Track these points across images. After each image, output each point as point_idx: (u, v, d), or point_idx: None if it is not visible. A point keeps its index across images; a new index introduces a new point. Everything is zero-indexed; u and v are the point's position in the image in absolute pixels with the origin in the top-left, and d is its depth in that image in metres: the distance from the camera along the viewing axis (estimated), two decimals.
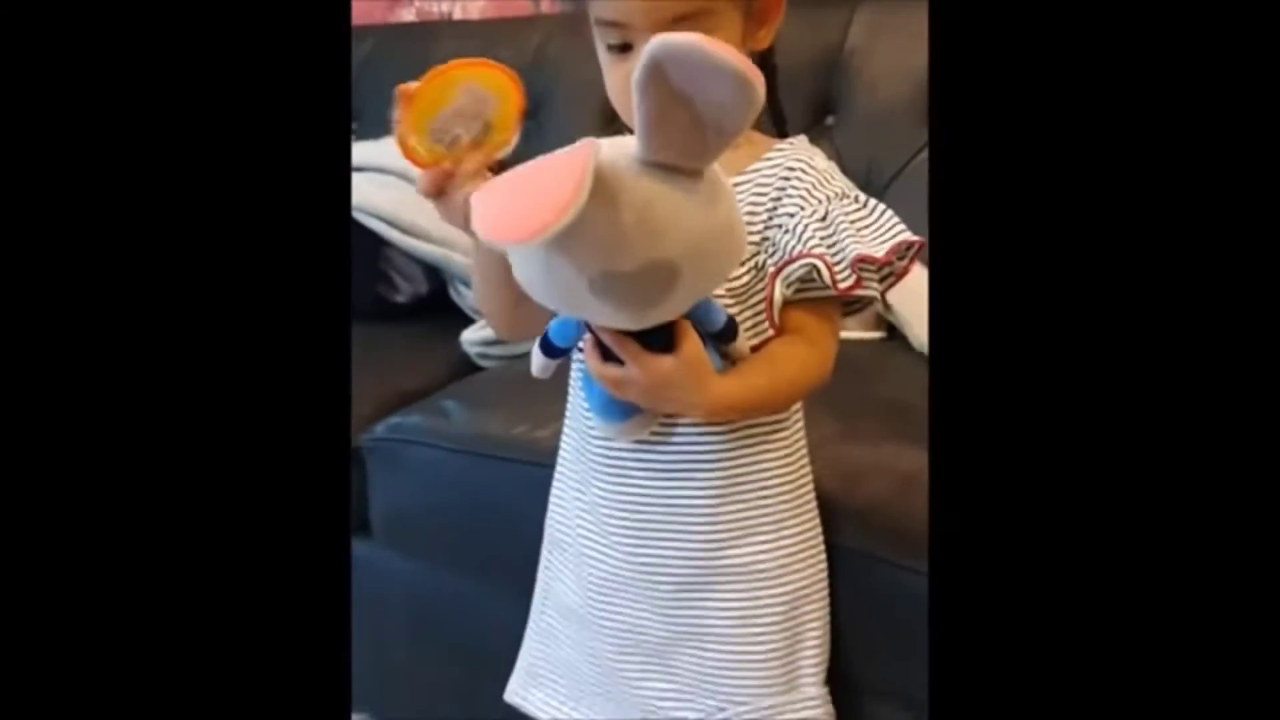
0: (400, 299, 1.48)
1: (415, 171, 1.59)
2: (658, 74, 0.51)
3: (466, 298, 1.45)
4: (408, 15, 2.07)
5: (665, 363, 0.63)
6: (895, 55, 1.41)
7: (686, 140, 0.54)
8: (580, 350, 0.69)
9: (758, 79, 0.50)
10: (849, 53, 1.44)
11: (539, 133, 1.69)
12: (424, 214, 1.42)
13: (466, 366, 1.32)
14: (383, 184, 1.43)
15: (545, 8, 1.91)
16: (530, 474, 0.99)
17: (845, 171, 1.40)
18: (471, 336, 1.33)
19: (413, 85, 0.63)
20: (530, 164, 0.55)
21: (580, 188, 0.50)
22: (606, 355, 0.64)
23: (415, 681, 1.22)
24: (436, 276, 1.47)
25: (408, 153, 0.65)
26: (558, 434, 0.99)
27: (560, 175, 0.51)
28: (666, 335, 0.62)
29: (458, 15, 2.02)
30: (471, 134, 0.65)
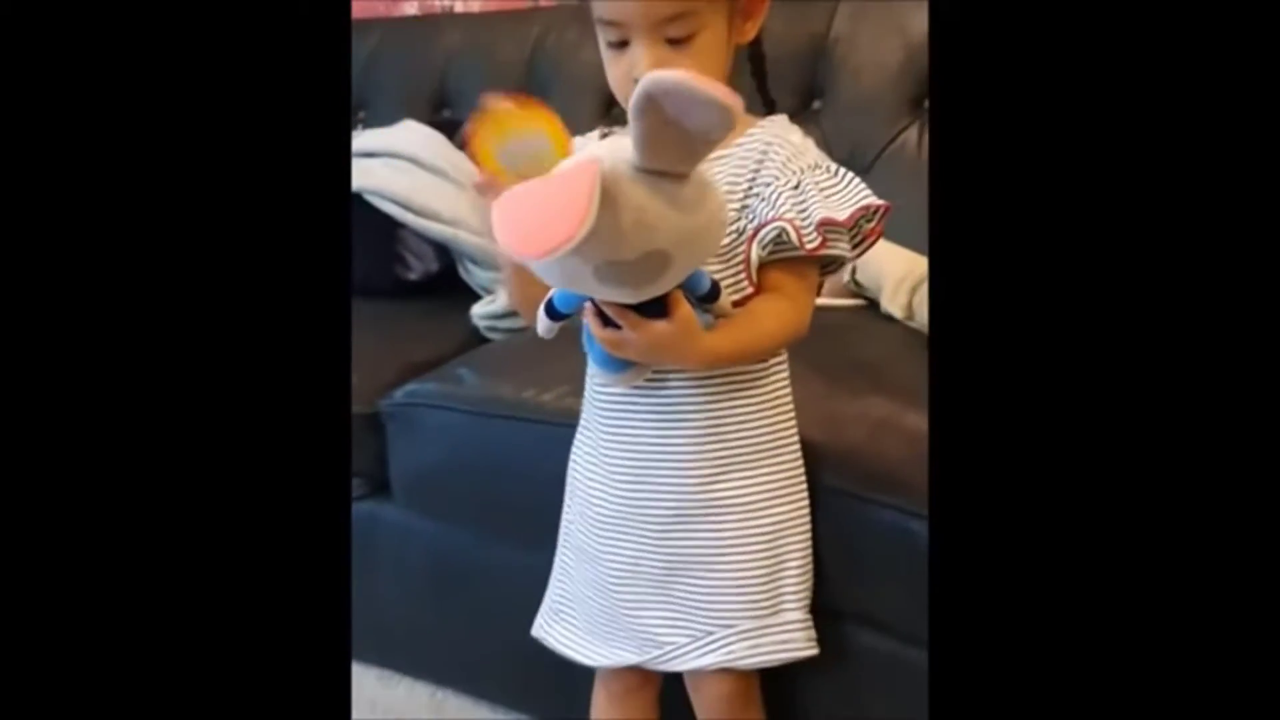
0: (413, 277, 1.52)
1: (424, 155, 1.66)
2: (651, 104, 0.57)
3: (474, 275, 1.50)
4: (410, 9, 2.10)
5: (659, 326, 0.70)
6: (877, 44, 1.47)
7: (676, 152, 0.61)
8: (583, 315, 0.76)
9: (736, 104, 0.57)
10: (833, 41, 1.50)
11: None
12: (434, 196, 1.48)
13: (476, 338, 1.38)
14: (395, 168, 1.49)
15: (543, 1, 1.95)
16: (539, 432, 1.06)
17: (831, 152, 1.48)
18: (480, 311, 1.39)
19: (496, 102, 0.71)
20: (542, 181, 0.61)
21: (589, 209, 0.57)
22: (607, 321, 0.72)
23: (437, 634, 1.27)
24: (446, 255, 1.52)
25: (474, 156, 0.73)
26: (563, 396, 1.07)
27: (571, 194, 0.58)
28: (660, 302, 0.70)
29: (459, 9, 2.05)
30: (530, 171, 0.75)
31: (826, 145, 1.45)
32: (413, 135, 1.57)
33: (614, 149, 0.63)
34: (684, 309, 0.71)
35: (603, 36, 0.77)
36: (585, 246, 0.58)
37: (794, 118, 0.84)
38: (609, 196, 0.59)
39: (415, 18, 2.09)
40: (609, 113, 1.57)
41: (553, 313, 0.76)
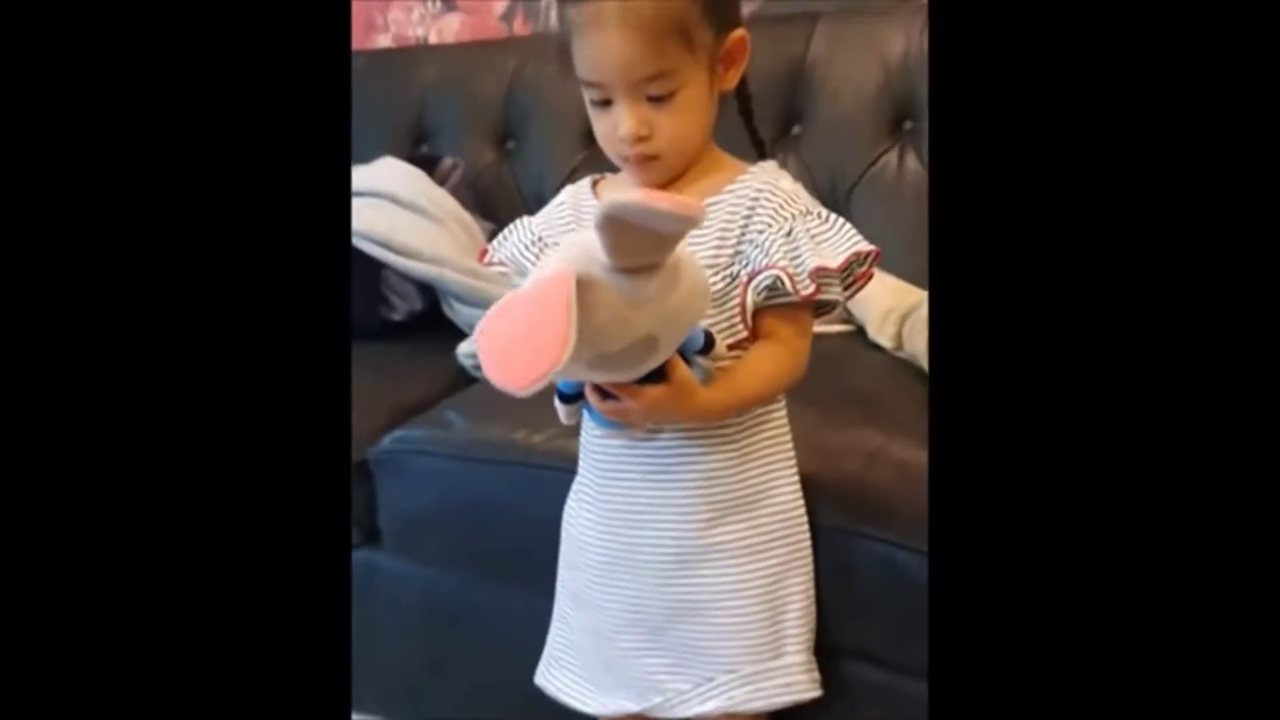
0: (397, 317, 1.51)
1: (403, 193, 1.65)
2: (615, 219, 0.59)
3: (460, 313, 1.48)
4: (384, 40, 2.10)
5: (657, 391, 0.71)
6: (854, 66, 1.47)
7: (644, 252, 0.63)
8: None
9: (695, 210, 0.58)
10: (811, 65, 1.50)
11: (519, 153, 1.75)
12: (415, 235, 1.47)
13: (463, 377, 1.37)
14: (376, 207, 1.47)
15: (518, 29, 1.95)
16: (529, 475, 1.06)
17: (812, 178, 1.48)
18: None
19: None
20: (520, 303, 0.62)
21: (568, 333, 0.58)
22: (606, 393, 0.73)
23: (431, 681, 1.26)
24: (430, 294, 1.50)
25: None
26: (553, 438, 1.07)
27: (549, 317, 0.59)
28: (656, 370, 0.71)
29: (433, 39, 2.05)
30: None
31: (807, 172, 1.46)
32: (393, 173, 1.56)
33: (585, 248, 0.63)
34: (680, 371, 0.72)
35: (586, 95, 0.78)
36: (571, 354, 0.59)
37: (774, 145, 0.84)
38: (585, 302, 0.60)
39: (390, 50, 2.08)
40: (589, 147, 1.57)
41: (564, 397, 0.78)
